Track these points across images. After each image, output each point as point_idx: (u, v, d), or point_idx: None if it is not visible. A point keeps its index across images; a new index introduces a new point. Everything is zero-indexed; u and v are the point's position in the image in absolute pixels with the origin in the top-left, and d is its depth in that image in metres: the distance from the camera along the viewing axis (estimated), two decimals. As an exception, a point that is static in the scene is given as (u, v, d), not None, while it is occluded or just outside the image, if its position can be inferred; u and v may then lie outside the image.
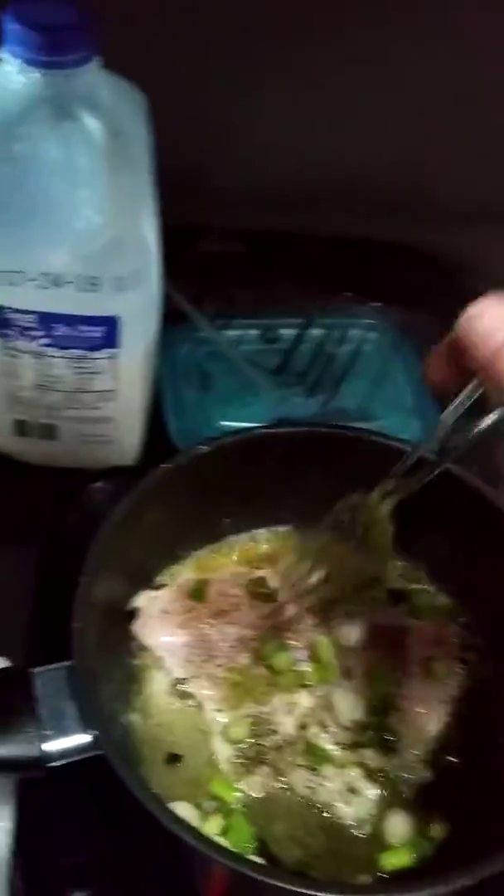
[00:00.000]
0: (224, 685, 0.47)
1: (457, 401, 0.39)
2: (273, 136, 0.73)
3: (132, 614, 0.48)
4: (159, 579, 0.51)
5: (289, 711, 0.46)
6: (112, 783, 0.39)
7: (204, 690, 0.46)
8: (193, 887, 0.42)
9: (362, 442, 0.48)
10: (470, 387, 0.38)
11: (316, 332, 0.69)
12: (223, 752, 0.45)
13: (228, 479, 0.49)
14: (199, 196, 0.71)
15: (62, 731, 0.38)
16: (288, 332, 0.69)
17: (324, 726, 0.46)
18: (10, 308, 0.53)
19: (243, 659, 0.47)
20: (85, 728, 0.38)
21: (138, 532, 0.46)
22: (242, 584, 0.51)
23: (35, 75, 0.47)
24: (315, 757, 0.45)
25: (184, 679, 0.47)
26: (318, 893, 0.36)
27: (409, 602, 0.51)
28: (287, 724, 0.46)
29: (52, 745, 0.38)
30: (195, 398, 0.64)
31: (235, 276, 0.72)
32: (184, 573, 0.51)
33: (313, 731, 0.46)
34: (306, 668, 0.48)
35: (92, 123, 0.49)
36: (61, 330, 0.54)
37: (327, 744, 0.46)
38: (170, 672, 0.47)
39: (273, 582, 0.51)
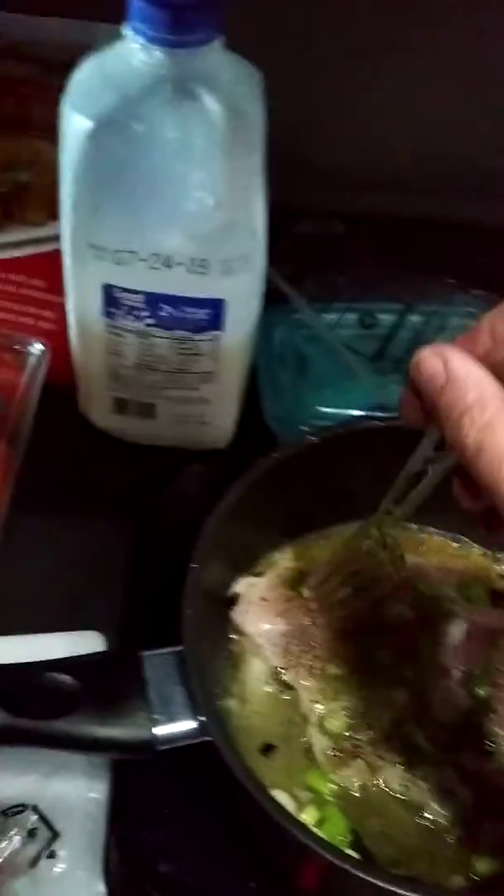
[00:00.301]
0: (322, 676, 0.47)
1: (421, 445, 0.39)
2: (381, 116, 0.71)
3: (232, 600, 0.49)
4: (258, 566, 0.51)
5: (385, 707, 0.46)
6: (206, 764, 0.39)
7: (302, 681, 0.46)
8: (281, 873, 0.42)
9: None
10: (430, 429, 0.37)
11: (415, 318, 0.68)
12: (319, 743, 0.45)
13: (334, 470, 0.49)
14: (299, 175, 0.69)
15: (171, 717, 0.39)
16: (387, 318, 0.68)
17: (420, 725, 0.46)
18: (118, 287, 0.53)
19: (342, 651, 0.47)
20: (194, 714, 0.39)
21: (244, 520, 0.46)
22: (342, 576, 0.50)
23: (158, 54, 0.47)
24: (410, 755, 0.45)
25: (282, 668, 0.47)
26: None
27: None
28: (383, 720, 0.46)
29: (162, 730, 0.39)
30: (292, 382, 0.64)
31: (334, 258, 0.71)
32: (283, 561, 0.51)
33: (409, 729, 0.46)
34: (407, 665, 0.47)
35: (211, 104, 0.48)
36: (167, 311, 0.54)
37: (423, 742, 0.45)
38: (268, 660, 0.47)
39: (372, 574, 0.50)
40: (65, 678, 0.39)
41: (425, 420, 0.36)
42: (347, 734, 0.46)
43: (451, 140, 0.73)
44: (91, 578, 0.58)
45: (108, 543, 0.58)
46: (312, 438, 0.47)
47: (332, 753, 0.45)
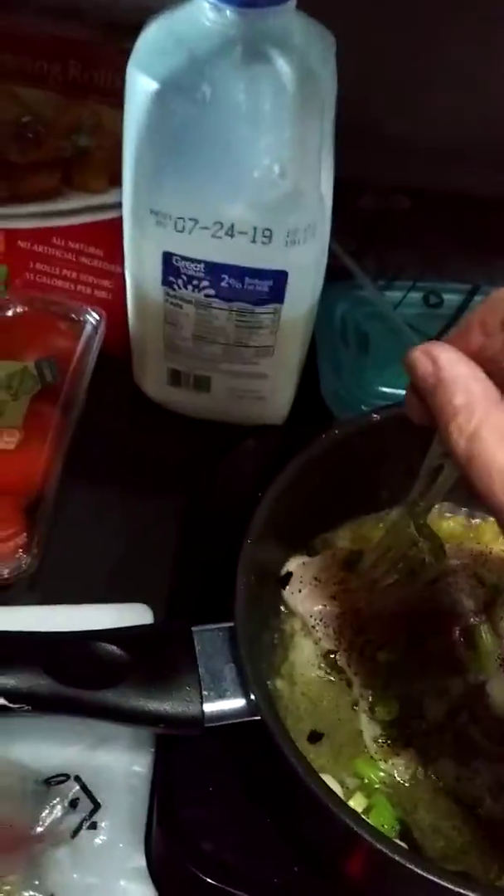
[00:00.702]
0: (374, 662, 0.45)
1: (434, 441, 0.38)
2: (455, 88, 0.69)
3: (285, 579, 0.47)
4: (313, 545, 0.49)
5: (439, 697, 0.44)
6: (252, 744, 0.38)
7: (353, 665, 0.45)
8: (328, 859, 0.41)
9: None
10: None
11: (481, 299, 0.66)
12: (370, 730, 0.44)
13: (392, 451, 0.47)
14: (365, 148, 0.67)
15: (221, 693, 0.38)
16: (452, 298, 0.66)
17: (475, 717, 0.44)
18: (179, 256, 0.52)
19: (396, 637, 0.46)
20: (244, 692, 0.38)
21: (299, 497, 0.45)
22: (390, 560, 0.49)
23: (229, 14, 0.45)
24: (464, 747, 0.43)
25: (333, 651, 0.46)
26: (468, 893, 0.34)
27: None
28: (436, 710, 0.44)
29: (212, 707, 0.38)
30: (352, 360, 0.62)
31: (398, 234, 0.69)
32: (338, 542, 0.49)
33: (464, 721, 0.44)
34: (462, 654, 0.46)
35: (282, 66, 0.46)
36: (228, 281, 0.53)
37: (478, 735, 0.44)
38: (319, 642, 0.46)
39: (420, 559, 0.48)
40: (114, 649, 0.38)
41: (430, 418, 0.35)
42: (398, 723, 0.44)
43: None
44: (140, 551, 0.57)
45: (158, 517, 0.58)
46: (374, 416, 0.45)
47: (382, 742, 0.44)
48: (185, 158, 0.49)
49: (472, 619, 0.46)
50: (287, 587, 0.47)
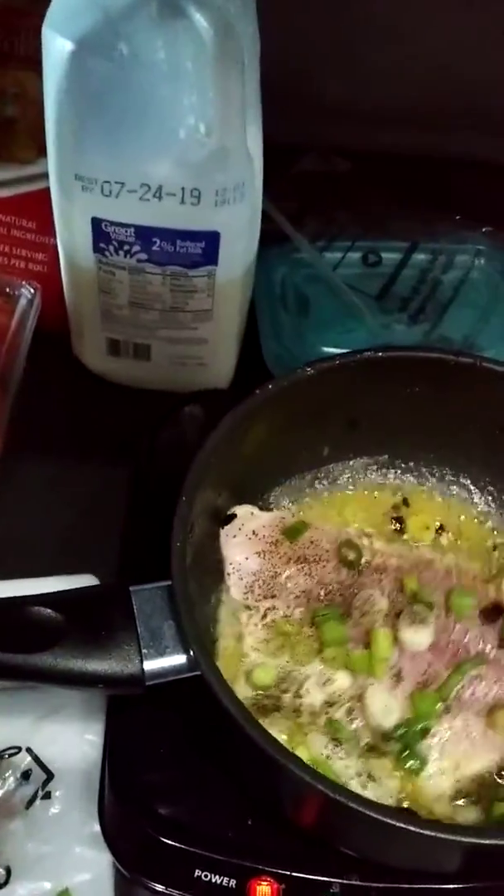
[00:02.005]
0: (271, 629, 0.45)
1: None
2: (387, 48, 0.68)
3: (227, 519, 0.47)
4: (267, 501, 0.49)
5: (321, 685, 0.44)
6: (199, 702, 0.38)
7: (250, 623, 0.45)
8: (277, 808, 0.42)
9: (477, 369, 0.46)
10: None
11: (421, 256, 0.66)
12: (241, 692, 0.44)
13: (330, 405, 0.48)
14: (303, 109, 0.67)
15: (160, 651, 0.38)
16: (391, 256, 0.66)
17: (351, 716, 0.44)
18: (107, 221, 0.52)
19: (299, 613, 0.46)
20: (184, 648, 0.38)
21: (239, 453, 0.45)
22: (336, 542, 0.49)
23: (143, -32, 0.44)
24: (335, 735, 0.43)
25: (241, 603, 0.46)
26: (418, 829, 0.34)
27: None
28: (315, 696, 0.44)
29: (152, 664, 0.38)
30: (292, 322, 0.62)
31: (338, 195, 0.69)
32: (289, 508, 0.49)
33: (339, 714, 0.44)
34: (357, 651, 0.45)
35: (200, 22, 0.46)
36: (159, 245, 0.52)
37: (351, 732, 0.44)
38: (228, 589, 0.46)
39: (367, 553, 0.49)
40: (49, 612, 0.38)
41: None
42: (270, 692, 0.44)
43: (460, 74, 0.70)
44: (87, 522, 0.57)
45: (105, 488, 0.57)
46: (308, 370, 0.45)
47: (252, 704, 0.44)
48: (107, 120, 0.48)
49: (378, 622, 0.45)
50: (226, 527, 0.47)
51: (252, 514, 0.48)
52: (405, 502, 0.52)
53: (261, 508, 0.49)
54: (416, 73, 0.70)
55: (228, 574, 0.46)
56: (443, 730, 0.43)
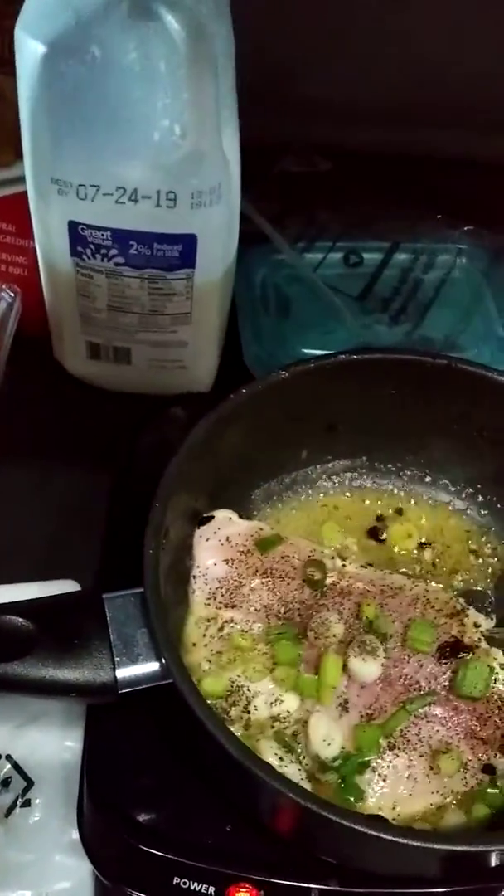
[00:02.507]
0: (227, 642, 0.44)
1: None
2: (369, 46, 0.68)
3: (204, 520, 0.47)
4: (248, 508, 0.49)
5: (269, 704, 0.43)
6: (178, 709, 0.38)
7: (207, 633, 0.45)
8: (254, 814, 0.41)
9: (452, 371, 0.45)
10: None
11: (402, 256, 0.66)
12: None
13: (307, 408, 0.47)
14: (282, 109, 0.67)
15: (133, 659, 0.38)
16: (372, 256, 0.66)
17: (297, 739, 0.43)
18: (83, 224, 0.51)
19: (257, 628, 0.45)
20: (157, 656, 0.37)
21: (215, 458, 0.45)
22: (304, 560, 0.48)
23: (113, -30, 0.44)
24: (283, 743, 0.43)
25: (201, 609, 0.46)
26: (392, 837, 0.34)
27: (460, 669, 0.44)
28: (262, 712, 0.43)
29: (125, 672, 0.37)
30: (273, 324, 0.62)
31: (319, 195, 0.69)
32: (265, 520, 0.49)
33: (285, 729, 0.43)
34: (307, 675, 0.44)
35: (171, 24, 0.45)
36: (136, 248, 0.52)
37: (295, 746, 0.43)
38: (193, 594, 0.46)
39: (335, 574, 0.47)
40: (20, 621, 0.38)
41: None
42: (223, 703, 0.43)
43: (441, 72, 0.69)
44: (68, 527, 0.57)
45: (86, 492, 0.57)
46: (282, 373, 0.45)
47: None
48: (82, 123, 0.48)
49: (332, 646, 0.44)
50: (201, 528, 0.47)
51: (230, 519, 0.48)
52: (381, 518, 0.52)
53: (240, 515, 0.48)
54: (397, 70, 0.70)
55: (194, 577, 0.46)
56: (383, 766, 0.42)
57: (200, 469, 0.44)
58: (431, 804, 0.41)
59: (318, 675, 0.43)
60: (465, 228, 0.66)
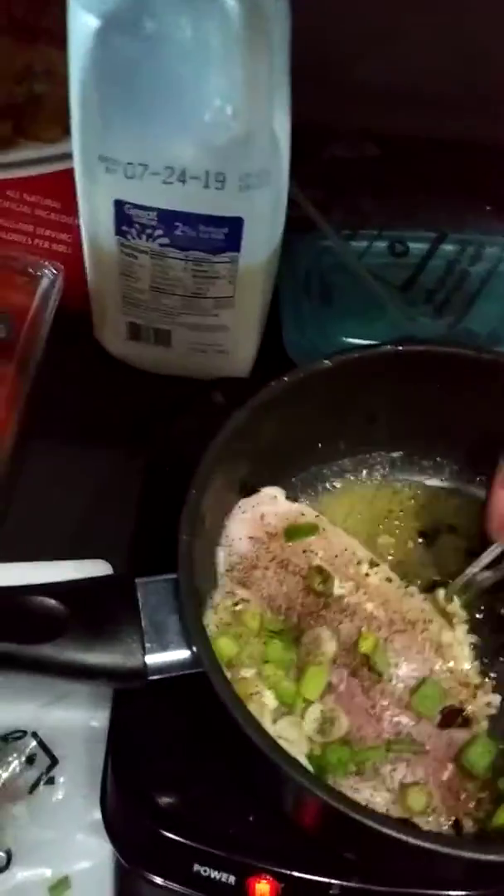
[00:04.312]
0: (237, 615, 0.44)
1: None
2: (422, 30, 0.66)
3: (250, 490, 0.47)
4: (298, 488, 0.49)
5: (249, 693, 0.42)
6: (204, 696, 0.37)
7: (222, 606, 0.44)
8: (280, 808, 0.41)
9: (498, 366, 0.44)
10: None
11: (449, 247, 0.64)
12: None
13: (347, 398, 0.46)
14: (333, 92, 0.65)
15: (164, 645, 0.37)
16: (419, 247, 0.64)
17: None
18: (130, 203, 0.51)
19: (252, 615, 0.44)
20: (188, 643, 0.37)
21: (254, 445, 0.44)
22: (333, 560, 0.47)
23: None
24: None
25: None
26: (421, 843, 0.34)
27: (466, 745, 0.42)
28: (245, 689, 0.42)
29: (154, 659, 0.37)
30: (315, 312, 0.61)
31: (367, 182, 0.68)
32: (303, 507, 0.49)
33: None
34: (287, 682, 0.43)
35: (228, 0, 0.45)
36: (182, 229, 0.52)
37: None
38: (217, 557, 0.45)
39: (347, 586, 0.46)
40: (52, 603, 0.37)
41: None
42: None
43: (496, 58, 0.68)
44: (103, 508, 0.56)
45: (121, 473, 0.57)
46: (325, 362, 0.44)
47: None
48: (132, 100, 0.47)
49: (318, 658, 0.43)
50: (244, 499, 0.46)
51: (275, 497, 0.47)
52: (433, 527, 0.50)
53: (287, 497, 0.48)
54: (452, 54, 0.68)
55: (220, 545, 0.45)
56: (343, 787, 0.40)
57: (238, 455, 0.43)
58: None
59: (299, 686, 0.42)
60: (515, 220, 0.65)
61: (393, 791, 0.41)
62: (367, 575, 0.46)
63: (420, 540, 0.50)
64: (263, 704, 0.41)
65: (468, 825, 0.40)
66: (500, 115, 0.68)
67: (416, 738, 0.42)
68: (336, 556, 0.46)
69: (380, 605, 0.45)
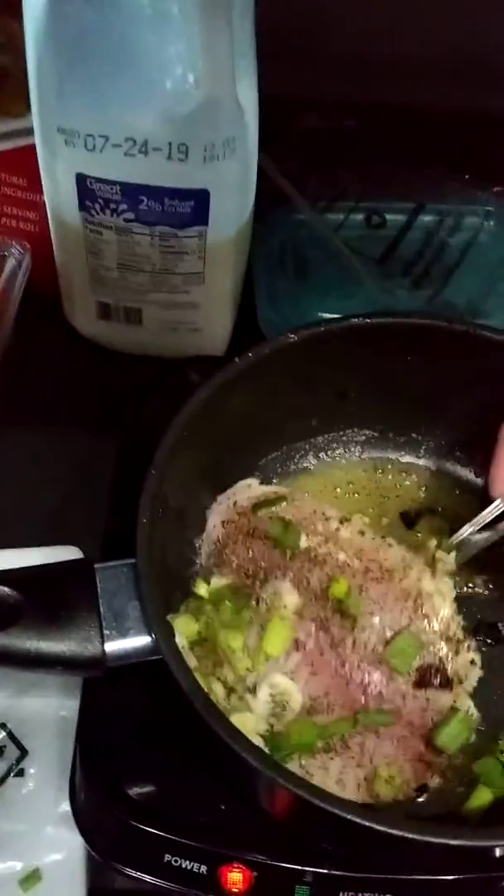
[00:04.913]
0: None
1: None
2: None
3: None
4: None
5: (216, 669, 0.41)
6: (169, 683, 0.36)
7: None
8: (249, 794, 0.40)
9: (472, 338, 0.43)
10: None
11: (427, 218, 0.63)
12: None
13: (317, 374, 0.45)
14: (306, 62, 0.64)
15: (123, 632, 0.36)
16: (396, 218, 0.63)
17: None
18: (92, 177, 0.49)
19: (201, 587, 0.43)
20: (148, 630, 0.36)
21: (220, 424, 0.43)
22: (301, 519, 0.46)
23: None
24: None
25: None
26: (388, 829, 0.33)
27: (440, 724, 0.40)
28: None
29: (114, 646, 0.36)
30: (290, 287, 0.59)
31: (342, 153, 0.66)
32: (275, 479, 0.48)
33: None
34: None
35: (186, -39, 0.43)
36: (147, 203, 0.50)
37: None
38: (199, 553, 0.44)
39: (315, 538, 0.45)
40: (6, 590, 0.36)
41: None
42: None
43: (471, 23, 0.66)
44: (74, 492, 0.55)
45: (94, 456, 0.55)
46: (291, 336, 0.42)
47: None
48: (89, 69, 0.45)
49: (280, 612, 0.42)
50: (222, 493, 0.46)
51: (249, 485, 0.46)
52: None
53: (261, 483, 0.47)
54: (425, 22, 0.67)
55: (202, 539, 0.45)
56: (312, 765, 0.39)
57: (204, 435, 0.42)
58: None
59: (261, 643, 0.40)
60: (494, 189, 0.63)
61: (364, 766, 0.40)
62: (337, 529, 0.45)
63: (400, 521, 0.49)
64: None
65: (434, 784, 0.39)
66: (478, 82, 0.66)
67: (388, 699, 0.40)
68: (304, 518, 0.45)
69: (353, 555, 0.44)
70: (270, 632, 0.40)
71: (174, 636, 0.37)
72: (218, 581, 0.43)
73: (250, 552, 0.44)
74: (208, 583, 0.43)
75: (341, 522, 0.45)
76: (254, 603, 0.42)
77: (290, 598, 0.42)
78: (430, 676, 0.41)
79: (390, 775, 0.39)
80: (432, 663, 0.41)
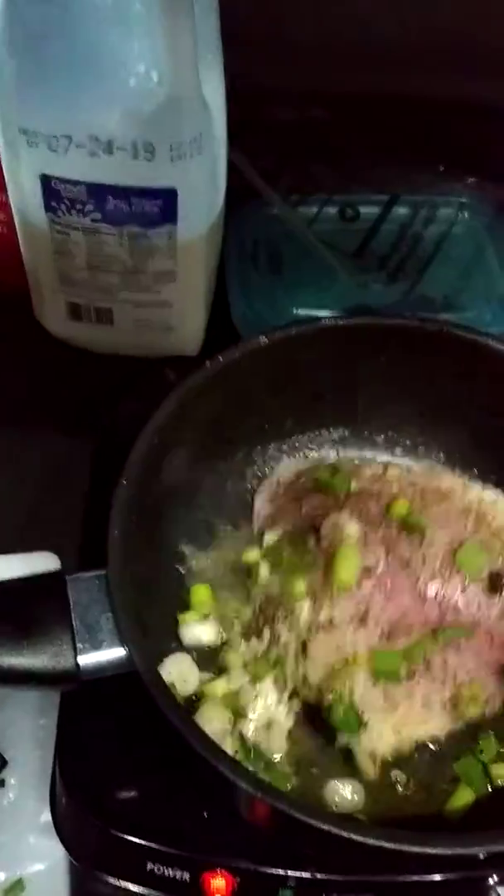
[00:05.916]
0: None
1: None
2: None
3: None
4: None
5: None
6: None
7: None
8: (230, 804, 0.40)
9: (444, 337, 0.42)
10: None
11: (401, 210, 0.62)
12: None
13: (291, 376, 0.45)
14: (276, 54, 0.63)
15: (97, 645, 0.36)
16: (370, 210, 0.62)
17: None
18: (57, 178, 0.48)
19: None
20: (121, 642, 0.36)
21: (194, 429, 0.42)
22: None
23: None
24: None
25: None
26: (365, 839, 0.33)
27: None
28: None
29: (87, 659, 0.36)
30: (264, 283, 0.59)
31: (314, 147, 0.65)
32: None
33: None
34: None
35: (147, -44, 0.42)
36: (113, 203, 0.49)
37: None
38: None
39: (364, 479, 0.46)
40: (-25, 605, 0.36)
41: None
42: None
43: (442, 10, 0.65)
44: (49, 496, 0.55)
45: (69, 460, 0.55)
46: (262, 339, 0.42)
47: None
48: (49, 69, 0.45)
49: (345, 541, 0.42)
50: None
51: (288, 466, 0.47)
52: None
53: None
54: (395, 11, 0.66)
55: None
56: (398, 694, 0.39)
57: (177, 440, 0.42)
58: (441, 730, 0.39)
59: (332, 573, 0.40)
60: (469, 181, 0.63)
61: (448, 686, 0.39)
62: (385, 470, 0.45)
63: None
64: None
65: None
66: (451, 71, 0.66)
67: (464, 611, 0.40)
68: (350, 471, 0.45)
69: (407, 485, 0.43)
70: (339, 562, 0.40)
71: (146, 648, 0.36)
72: (271, 537, 0.43)
73: (302, 508, 0.44)
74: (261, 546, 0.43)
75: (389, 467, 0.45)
76: (312, 544, 0.42)
77: (352, 527, 0.41)
78: (501, 581, 0.41)
79: (474, 693, 0.39)
80: (502, 569, 0.41)
